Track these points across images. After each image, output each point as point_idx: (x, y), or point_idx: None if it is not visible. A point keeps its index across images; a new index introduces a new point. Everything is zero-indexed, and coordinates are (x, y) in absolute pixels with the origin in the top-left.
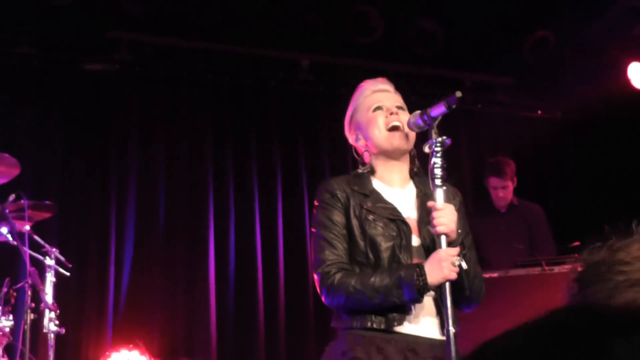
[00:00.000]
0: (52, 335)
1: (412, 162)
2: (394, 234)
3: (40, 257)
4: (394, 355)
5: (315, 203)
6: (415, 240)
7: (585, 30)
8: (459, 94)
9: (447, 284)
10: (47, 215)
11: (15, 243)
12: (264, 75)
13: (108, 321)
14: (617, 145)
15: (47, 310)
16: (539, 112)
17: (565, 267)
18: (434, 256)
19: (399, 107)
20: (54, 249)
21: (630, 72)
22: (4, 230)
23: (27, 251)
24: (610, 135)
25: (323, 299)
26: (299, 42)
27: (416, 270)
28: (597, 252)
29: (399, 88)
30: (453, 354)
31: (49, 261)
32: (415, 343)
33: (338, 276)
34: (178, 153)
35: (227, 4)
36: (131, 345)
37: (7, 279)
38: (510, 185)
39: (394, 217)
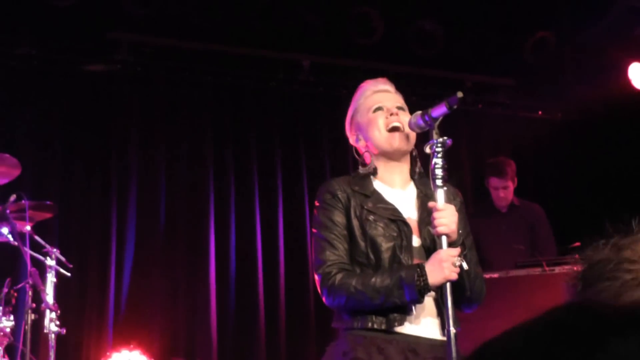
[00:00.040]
0: (53, 335)
1: (413, 163)
2: (395, 234)
3: (41, 257)
4: (394, 355)
5: (316, 203)
6: (416, 241)
7: (586, 31)
8: (460, 94)
9: (448, 285)
10: (47, 215)
11: (16, 243)
12: (264, 76)
13: (109, 321)
14: (618, 146)
15: (47, 311)
16: (539, 112)
17: (566, 268)
18: (435, 257)
19: (400, 108)
20: (55, 250)
21: (631, 73)
22: (5, 230)
23: (27, 251)
24: (611, 136)
25: (324, 299)
26: (300, 43)
27: (417, 271)
28: (601, 251)
29: (399, 89)
30: (454, 354)
31: (50, 261)
32: (416, 343)
33: (339, 277)
34: (178, 154)
35: (227, 5)
36: (132, 346)
37: (7, 279)
38: (511, 186)
39: (395, 218)
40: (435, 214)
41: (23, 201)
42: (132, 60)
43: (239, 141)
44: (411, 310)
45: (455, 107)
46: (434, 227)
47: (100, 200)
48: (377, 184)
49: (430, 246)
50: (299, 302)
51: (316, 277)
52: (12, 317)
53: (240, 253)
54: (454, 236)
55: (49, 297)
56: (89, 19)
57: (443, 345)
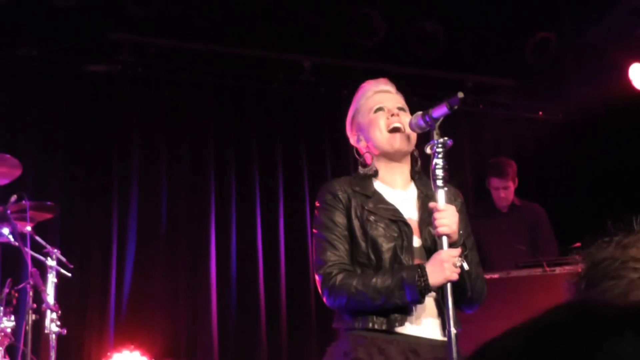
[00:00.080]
0: (54, 336)
1: (413, 164)
2: (396, 235)
3: (41, 257)
4: (395, 356)
5: (317, 204)
6: (417, 241)
7: (587, 32)
8: (461, 94)
9: (449, 285)
10: (48, 216)
11: (16, 244)
12: (265, 77)
13: (110, 322)
14: (618, 146)
15: (48, 311)
16: (540, 113)
17: (567, 268)
18: (436, 257)
19: (400, 108)
20: (56, 250)
21: (632, 74)
22: (6, 231)
23: (28, 252)
24: (611, 136)
25: (325, 300)
26: (301, 43)
27: (418, 271)
28: (604, 249)
29: (400, 89)
30: (454, 355)
31: (51, 262)
32: (417, 344)
33: (340, 277)
34: (179, 154)
35: (228, 6)
36: (132, 346)
37: (8, 280)
38: (512, 186)
39: (396, 218)
40: (436, 215)
41: (24, 201)
42: (133, 60)
43: (239, 141)
44: (412, 310)
45: (456, 107)
46: (435, 227)
47: (101, 200)
48: (378, 185)
49: (431, 247)
50: (299, 302)
51: (317, 277)
52: (13, 318)
53: (241, 253)
54: (455, 237)
55: (50, 297)
56: (90, 19)
57: (444, 346)
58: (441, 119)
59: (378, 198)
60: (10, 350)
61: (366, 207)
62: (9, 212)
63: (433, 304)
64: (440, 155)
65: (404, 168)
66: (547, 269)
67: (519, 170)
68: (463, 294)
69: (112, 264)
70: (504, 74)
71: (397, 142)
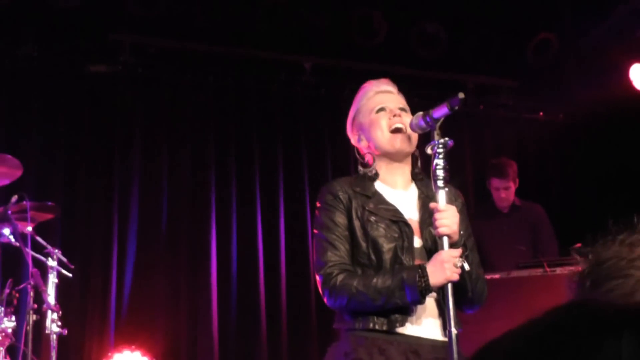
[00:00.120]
0: (55, 336)
1: (414, 164)
2: (396, 235)
3: (42, 258)
4: (396, 356)
5: (318, 204)
6: (417, 242)
7: (588, 33)
8: (461, 95)
9: (450, 286)
10: (49, 216)
11: (17, 244)
12: (266, 78)
13: (110, 322)
14: (619, 147)
15: (49, 312)
16: (541, 114)
17: (568, 269)
18: (436, 257)
19: (402, 109)
20: (56, 250)
21: (632, 74)
22: (7, 231)
23: (29, 252)
24: (613, 137)
25: (325, 300)
26: (302, 44)
27: (418, 272)
28: (610, 248)
29: (401, 90)
30: (455, 355)
31: (51, 262)
32: (418, 344)
33: (340, 277)
34: (181, 155)
35: (230, 7)
36: (133, 347)
37: (9, 280)
38: (512, 186)
39: (396, 219)
40: (437, 215)
41: (25, 202)
42: (134, 61)
43: (240, 142)
44: (412, 311)
45: (456, 108)
46: (436, 228)
47: (102, 200)
48: (379, 185)
49: (432, 247)
50: (300, 303)
51: (318, 278)
52: (13, 318)
53: (242, 254)
54: (456, 237)
55: (51, 297)
56: (91, 20)
57: (444, 346)
58: (442, 119)
59: (379, 198)
60: (11, 351)
61: (367, 208)
62: (9, 212)
63: (434, 305)
64: (441, 156)
65: (405, 168)
66: (548, 269)
67: (520, 171)
68: (464, 295)
69: (113, 265)
70: (505, 74)
71: (399, 143)
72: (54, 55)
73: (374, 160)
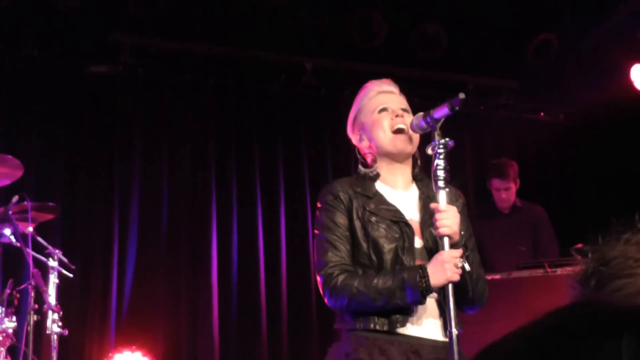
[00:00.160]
0: (55, 336)
1: (414, 164)
2: (397, 235)
3: (43, 258)
4: (396, 356)
5: (318, 205)
6: (418, 242)
7: (588, 34)
8: (462, 95)
9: (450, 286)
10: (50, 216)
11: (18, 244)
12: (267, 79)
13: (111, 323)
14: (620, 148)
15: (50, 312)
16: (542, 114)
17: (568, 269)
18: (437, 258)
19: (404, 110)
20: (57, 251)
21: (633, 75)
22: (7, 231)
23: (30, 252)
24: (613, 138)
25: (326, 300)
26: (302, 45)
27: (419, 272)
28: (614, 247)
29: (402, 92)
30: (456, 356)
31: (52, 262)
32: (418, 345)
33: (341, 278)
34: (181, 156)
35: (230, 8)
36: (134, 347)
37: (10, 281)
38: (513, 187)
39: (397, 219)
40: (437, 215)
41: (25, 202)
42: (134, 62)
43: (240, 143)
44: (413, 311)
45: (457, 108)
46: (436, 228)
47: (102, 201)
48: (380, 186)
49: (433, 247)
50: (301, 303)
51: (318, 278)
52: (14, 318)
53: (242, 255)
54: (456, 237)
55: (51, 298)
56: (92, 21)
57: (445, 347)
58: (442, 119)
59: (379, 199)
60: (11, 351)
61: (367, 208)
62: (10, 212)
63: (434, 305)
64: (441, 156)
65: (406, 169)
66: (549, 270)
67: (520, 172)
68: (464, 295)
69: (114, 265)
70: (505, 75)
71: (401, 143)
72: (54, 56)
73: (375, 161)
